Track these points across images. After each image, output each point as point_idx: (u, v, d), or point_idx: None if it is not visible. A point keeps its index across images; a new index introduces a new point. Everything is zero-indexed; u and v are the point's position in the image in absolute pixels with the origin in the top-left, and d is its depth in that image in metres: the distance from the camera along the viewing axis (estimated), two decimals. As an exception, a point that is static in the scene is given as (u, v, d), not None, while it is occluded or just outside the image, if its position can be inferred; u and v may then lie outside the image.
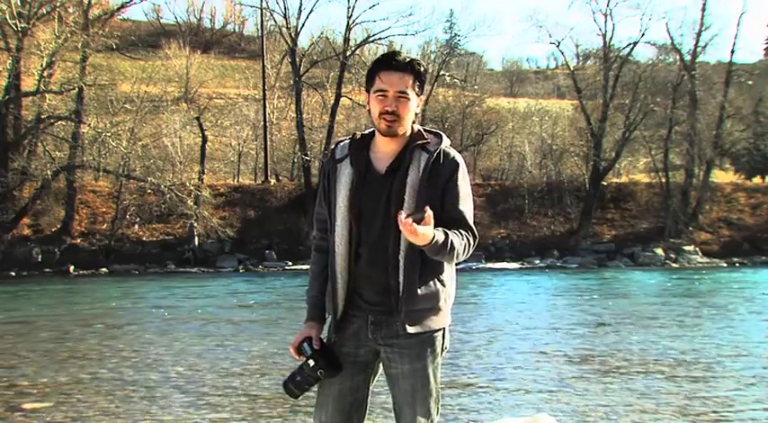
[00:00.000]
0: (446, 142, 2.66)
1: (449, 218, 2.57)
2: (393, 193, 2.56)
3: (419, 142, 2.61)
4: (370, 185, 2.61)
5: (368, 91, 2.64)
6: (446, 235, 2.46)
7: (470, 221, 2.61)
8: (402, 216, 2.32)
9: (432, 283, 2.59)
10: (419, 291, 2.56)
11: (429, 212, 2.35)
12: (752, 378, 7.41)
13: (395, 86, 2.55)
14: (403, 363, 2.61)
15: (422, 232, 2.32)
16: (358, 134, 2.73)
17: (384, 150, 2.64)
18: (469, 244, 2.57)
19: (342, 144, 2.73)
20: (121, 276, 23.96)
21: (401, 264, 2.54)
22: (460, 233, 2.54)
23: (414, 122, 2.67)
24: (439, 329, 2.66)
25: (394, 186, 2.57)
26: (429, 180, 2.56)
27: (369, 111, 2.66)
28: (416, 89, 2.60)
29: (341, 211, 2.62)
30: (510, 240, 30.41)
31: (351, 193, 2.61)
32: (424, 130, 2.68)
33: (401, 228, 2.32)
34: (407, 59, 2.59)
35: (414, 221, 2.32)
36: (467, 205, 2.62)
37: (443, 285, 2.63)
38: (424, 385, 2.64)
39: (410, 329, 2.56)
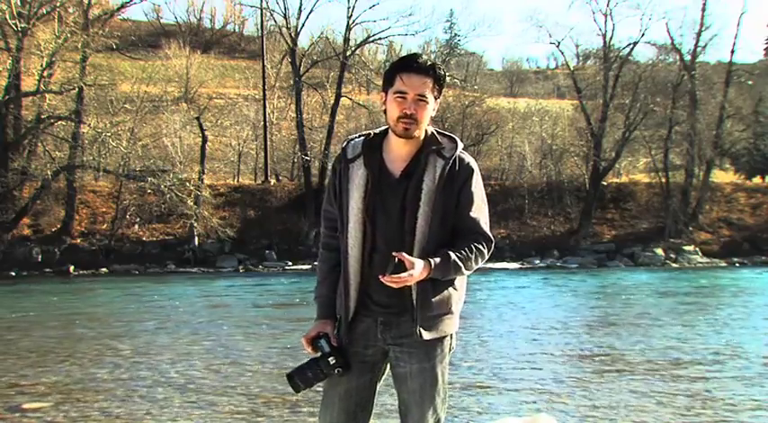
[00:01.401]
0: (460, 147, 2.65)
1: (462, 226, 2.58)
2: (408, 199, 2.55)
3: (434, 147, 2.60)
4: (384, 189, 2.59)
5: (385, 91, 2.61)
6: (445, 257, 2.49)
7: (484, 227, 2.61)
8: (384, 278, 2.41)
9: (444, 288, 2.60)
10: (433, 297, 2.57)
11: (401, 256, 2.41)
12: (752, 378, 7.41)
13: (415, 89, 2.53)
14: (411, 362, 2.61)
15: (408, 276, 2.41)
16: (371, 133, 2.70)
17: (398, 152, 2.62)
18: (480, 252, 2.58)
19: (353, 143, 2.68)
20: (121, 276, 23.96)
21: None
22: (468, 246, 2.55)
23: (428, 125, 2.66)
24: (448, 335, 2.67)
25: (409, 192, 2.55)
26: (444, 186, 2.56)
27: (384, 111, 2.63)
28: (435, 93, 2.58)
29: (354, 214, 2.59)
30: (510, 240, 30.39)
31: (365, 196, 2.59)
32: (438, 132, 2.66)
33: (393, 286, 2.42)
34: (429, 62, 2.57)
35: (394, 272, 2.40)
36: (480, 211, 2.62)
37: (455, 290, 2.64)
38: (433, 385, 2.63)
39: (426, 336, 2.57)
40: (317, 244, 2.89)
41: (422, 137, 2.62)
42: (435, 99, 2.59)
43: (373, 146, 2.65)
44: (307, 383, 2.65)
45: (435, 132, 2.65)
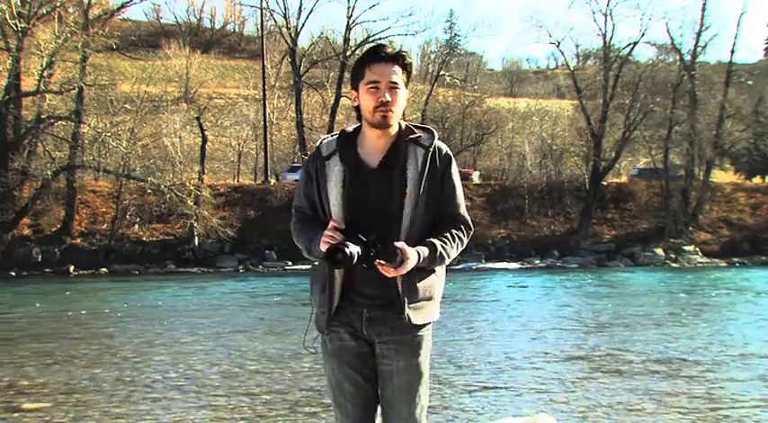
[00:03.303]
0: (437, 137, 2.70)
1: (446, 213, 2.64)
2: (395, 189, 2.57)
3: (412, 137, 2.64)
4: (363, 181, 2.61)
5: (355, 88, 2.64)
6: (431, 247, 2.54)
7: (465, 214, 2.69)
8: (381, 266, 2.45)
9: (428, 274, 2.64)
10: (418, 283, 2.60)
11: (400, 246, 2.45)
12: (752, 378, 7.41)
13: (386, 77, 2.57)
14: (398, 359, 2.63)
15: (405, 268, 2.46)
16: (344, 130, 2.73)
17: (374, 145, 2.65)
18: (461, 240, 2.65)
19: (327, 141, 2.71)
20: (121, 276, 23.96)
21: None
22: (452, 234, 2.61)
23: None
24: (433, 321, 2.71)
25: (394, 182, 2.58)
26: (428, 175, 2.60)
27: (356, 107, 2.65)
28: (404, 80, 2.63)
29: (336, 211, 2.61)
30: (510, 240, 30.40)
31: (344, 190, 2.61)
32: (413, 125, 2.70)
33: (386, 274, 2.46)
34: (395, 50, 2.63)
35: (393, 262, 2.43)
36: (461, 198, 2.71)
37: (437, 276, 2.69)
38: (418, 380, 2.66)
39: (415, 321, 2.60)
40: None
41: (396, 129, 2.65)
42: (405, 86, 2.64)
43: (348, 142, 2.67)
44: (349, 261, 2.46)
45: (410, 125, 2.70)
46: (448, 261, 2.62)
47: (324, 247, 2.48)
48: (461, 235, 2.64)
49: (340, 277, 2.63)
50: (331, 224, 2.54)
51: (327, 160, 2.65)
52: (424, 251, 2.51)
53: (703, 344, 9.65)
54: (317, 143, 2.74)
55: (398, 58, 2.60)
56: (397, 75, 2.59)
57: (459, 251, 2.65)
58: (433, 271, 2.65)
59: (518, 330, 11.22)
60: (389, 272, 2.45)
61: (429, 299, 2.65)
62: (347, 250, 2.41)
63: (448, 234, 2.60)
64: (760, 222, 32.68)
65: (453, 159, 2.69)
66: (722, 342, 9.84)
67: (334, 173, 2.63)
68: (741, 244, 31.07)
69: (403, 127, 2.67)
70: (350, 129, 2.73)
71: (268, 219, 29.08)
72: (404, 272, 2.47)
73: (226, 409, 6.18)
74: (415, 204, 2.55)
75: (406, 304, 2.58)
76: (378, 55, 2.60)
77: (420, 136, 2.65)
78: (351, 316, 2.64)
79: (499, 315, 13.53)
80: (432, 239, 2.55)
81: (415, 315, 2.60)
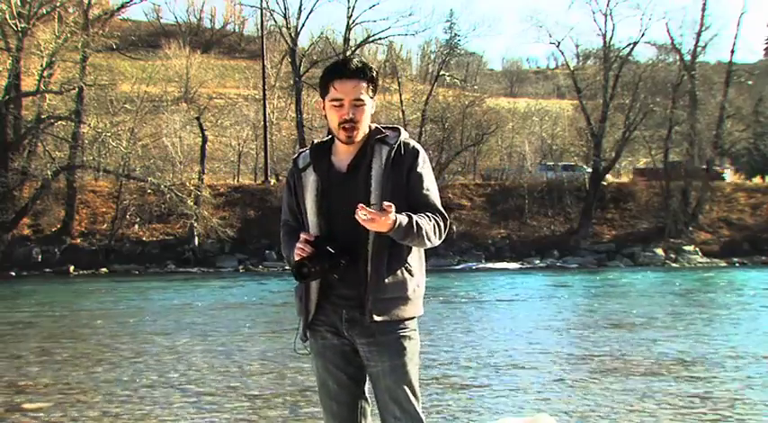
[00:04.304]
0: (404, 135, 2.71)
1: (417, 203, 2.63)
2: (360, 188, 2.60)
3: (378, 137, 2.67)
4: (336, 185, 2.66)
5: (322, 97, 2.68)
6: (410, 217, 2.50)
7: (438, 205, 2.66)
8: (359, 210, 2.39)
9: (399, 272, 2.62)
10: (386, 279, 2.59)
11: (387, 204, 2.41)
12: (752, 378, 7.40)
13: (350, 94, 2.59)
14: (383, 360, 2.63)
15: (378, 215, 2.38)
16: (314, 141, 2.79)
17: (345, 151, 2.69)
18: (439, 226, 2.61)
19: (303, 154, 2.79)
20: (121, 276, 23.95)
21: (369, 254, 2.58)
22: (428, 216, 2.58)
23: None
24: (409, 318, 2.67)
25: (359, 181, 2.61)
26: (393, 170, 2.61)
27: (325, 116, 2.69)
28: (370, 93, 2.65)
29: (311, 218, 2.67)
30: (510, 240, 30.39)
31: (318, 197, 2.66)
32: (382, 126, 2.73)
33: (358, 219, 2.39)
34: (359, 66, 2.63)
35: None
36: (432, 190, 2.67)
37: (411, 275, 2.66)
38: (406, 379, 2.65)
39: (377, 318, 2.58)
40: None
41: (366, 132, 2.68)
42: (372, 98, 2.66)
43: (321, 153, 2.72)
44: (315, 275, 2.56)
45: (378, 126, 2.72)
46: (426, 241, 2.56)
47: (297, 259, 2.55)
48: (437, 219, 2.60)
49: (316, 284, 2.65)
50: (302, 236, 2.58)
51: (303, 172, 2.72)
52: (403, 218, 2.46)
53: (703, 344, 9.65)
54: (295, 155, 2.82)
55: (362, 73, 2.61)
56: (362, 90, 2.60)
57: (438, 235, 2.60)
58: (406, 269, 2.63)
59: (518, 330, 11.23)
60: (372, 220, 2.38)
61: (399, 298, 2.61)
62: (312, 267, 2.49)
63: (423, 214, 2.57)
64: (760, 222, 32.66)
65: (422, 153, 2.68)
66: (722, 342, 9.84)
67: (310, 183, 2.68)
68: (741, 244, 31.06)
69: (372, 128, 2.69)
70: (324, 139, 2.78)
71: (268, 219, 29.05)
72: (385, 228, 2.41)
73: (226, 409, 6.18)
74: (380, 202, 2.54)
75: (371, 301, 2.57)
76: (341, 71, 2.61)
77: (386, 135, 2.67)
78: (332, 316, 2.66)
79: (499, 315, 13.53)
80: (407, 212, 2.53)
81: (378, 314, 2.57)
